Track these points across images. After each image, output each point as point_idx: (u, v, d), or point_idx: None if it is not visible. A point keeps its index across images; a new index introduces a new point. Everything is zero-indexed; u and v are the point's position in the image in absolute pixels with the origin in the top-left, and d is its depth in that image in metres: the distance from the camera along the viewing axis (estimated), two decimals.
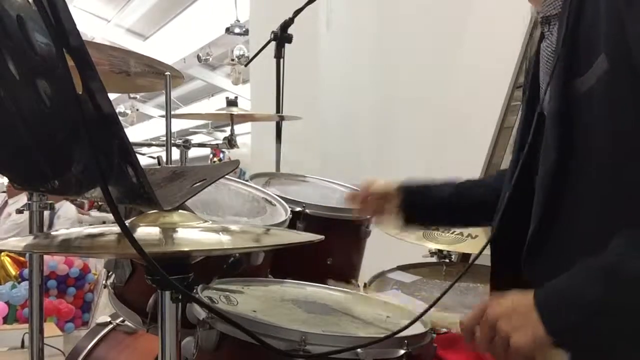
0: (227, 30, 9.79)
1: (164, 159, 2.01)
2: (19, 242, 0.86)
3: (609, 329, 0.86)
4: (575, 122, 0.94)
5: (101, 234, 0.89)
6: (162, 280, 0.84)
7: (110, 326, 1.85)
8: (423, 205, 1.39)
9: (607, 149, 0.92)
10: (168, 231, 0.84)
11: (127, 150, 0.66)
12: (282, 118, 2.49)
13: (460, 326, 1.00)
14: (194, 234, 0.86)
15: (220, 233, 0.91)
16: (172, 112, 1.86)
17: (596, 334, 0.87)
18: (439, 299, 1.02)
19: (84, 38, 0.62)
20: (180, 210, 0.87)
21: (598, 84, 0.91)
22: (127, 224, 0.84)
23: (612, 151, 0.91)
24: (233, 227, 0.99)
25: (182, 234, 0.85)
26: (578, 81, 0.94)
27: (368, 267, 1.87)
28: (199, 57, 11.45)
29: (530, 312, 0.88)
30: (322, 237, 0.94)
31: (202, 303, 1.05)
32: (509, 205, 1.04)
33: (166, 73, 1.75)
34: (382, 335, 1.06)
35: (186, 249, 0.81)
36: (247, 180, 1.80)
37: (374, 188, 1.42)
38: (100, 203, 10.55)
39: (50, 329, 3.89)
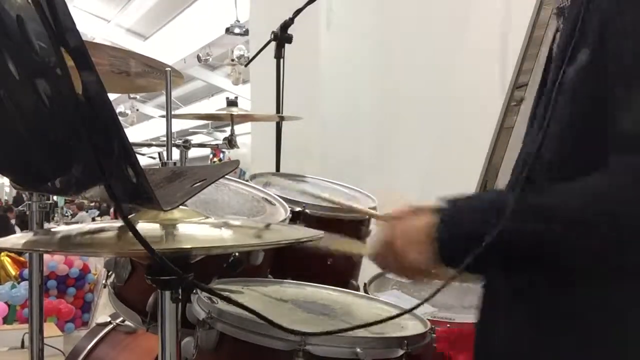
0: (227, 30, 9.80)
1: (165, 156, 2.00)
2: (18, 240, 0.86)
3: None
4: (555, 111, 0.94)
5: (101, 230, 0.89)
6: (163, 280, 0.84)
7: (110, 326, 1.85)
8: None
9: (570, 145, 0.92)
10: (168, 228, 0.84)
11: (127, 151, 0.66)
12: (282, 118, 2.49)
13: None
14: (195, 230, 0.86)
15: (222, 228, 0.91)
16: (172, 112, 1.86)
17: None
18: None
19: (84, 38, 0.62)
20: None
21: (575, 77, 0.91)
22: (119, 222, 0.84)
23: (573, 149, 0.92)
24: (234, 223, 0.99)
25: (182, 230, 0.85)
26: (566, 71, 0.93)
27: (368, 267, 1.86)
28: (199, 58, 11.46)
29: (426, 228, 0.93)
30: (322, 232, 0.95)
31: (219, 294, 1.04)
32: None
33: (166, 69, 1.74)
34: (382, 336, 1.06)
35: (187, 247, 0.81)
36: (247, 180, 1.80)
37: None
38: (99, 203, 10.54)
39: (50, 329, 3.89)
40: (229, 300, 1.02)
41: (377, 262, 1.04)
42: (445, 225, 0.93)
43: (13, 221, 9.54)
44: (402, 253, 0.96)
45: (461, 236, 0.91)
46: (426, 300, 1.02)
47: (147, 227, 0.83)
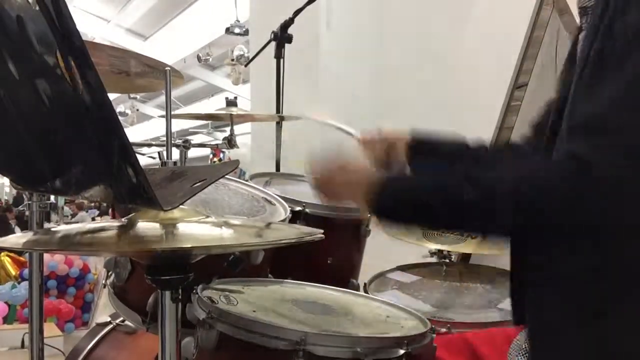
0: (227, 30, 9.79)
1: (165, 155, 2.00)
2: (18, 239, 0.86)
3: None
4: None
5: (101, 229, 0.89)
6: (163, 280, 0.84)
7: (110, 326, 1.85)
8: (431, 157, 1.39)
9: None
10: (169, 227, 0.84)
11: (127, 151, 0.66)
12: (282, 118, 2.48)
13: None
14: (195, 229, 0.86)
15: (222, 227, 0.91)
16: (172, 112, 1.86)
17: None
18: None
19: (84, 38, 0.62)
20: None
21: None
22: (119, 221, 0.84)
23: None
24: (234, 222, 0.99)
25: (182, 229, 0.85)
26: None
27: (368, 267, 1.87)
28: (199, 57, 11.46)
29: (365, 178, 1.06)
30: (322, 230, 0.94)
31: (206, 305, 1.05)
32: None
33: (166, 68, 1.74)
34: (382, 336, 1.06)
35: (187, 246, 0.81)
36: (247, 180, 1.80)
37: (385, 132, 1.45)
38: (99, 203, 10.55)
39: (50, 329, 3.89)
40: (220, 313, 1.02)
41: (315, 184, 1.18)
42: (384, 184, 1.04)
43: (12, 222, 9.54)
44: (339, 188, 1.12)
45: (396, 191, 1.03)
46: None
47: (147, 226, 0.83)
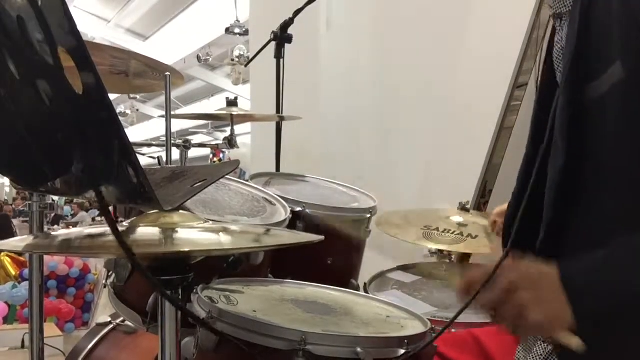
0: (227, 30, 9.81)
1: (164, 159, 2.01)
2: (19, 242, 0.86)
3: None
4: (587, 127, 0.92)
5: (101, 234, 0.89)
6: (163, 280, 0.84)
7: (111, 326, 1.85)
8: None
9: (622, 156, 0.89)
10: (168, 231, 0.84)
11: (127, 150, 0.66)
12: (282, 118, 2.49)
13: (465, 277, 0.95)
14: (194, 234, 0.86)
15: (220, 233, 0.91)
16: (172, 113, 1.86)
17: (626, 326, 0.83)
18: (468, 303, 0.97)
19: (84, 38, 0.62)
20: (180, 211, 0.87)
21: (613, 90, 0.88)
22: (120, 226, 0.84)
23: (628, 159, 0.89)
24: (233, 228, 0.99)
25: (182, 234, 0.85)
26: (589, 86, 0.91)
27: (368, 267, 1.87)
28: (199, 58, 11.48)
29: (556, 287, 0.82)
30: (322, 237, 0.94)
31: (193, 315, 1.05)
32: (527, 207, 0.98)
33: (166, 73, 1.74)
34: (382, 336, 1.06)
35: (186, 249, 0.81)
36: (247, 181, 1.80)
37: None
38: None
39: (51, 329, 3.90)
40: (203, 324, 1.02)
41: (488, 309, 0.92)
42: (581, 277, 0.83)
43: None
44: (525, 309, 0.84)
45: (604, 291, 0.82)
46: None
47: (146, 230, 0.83)
